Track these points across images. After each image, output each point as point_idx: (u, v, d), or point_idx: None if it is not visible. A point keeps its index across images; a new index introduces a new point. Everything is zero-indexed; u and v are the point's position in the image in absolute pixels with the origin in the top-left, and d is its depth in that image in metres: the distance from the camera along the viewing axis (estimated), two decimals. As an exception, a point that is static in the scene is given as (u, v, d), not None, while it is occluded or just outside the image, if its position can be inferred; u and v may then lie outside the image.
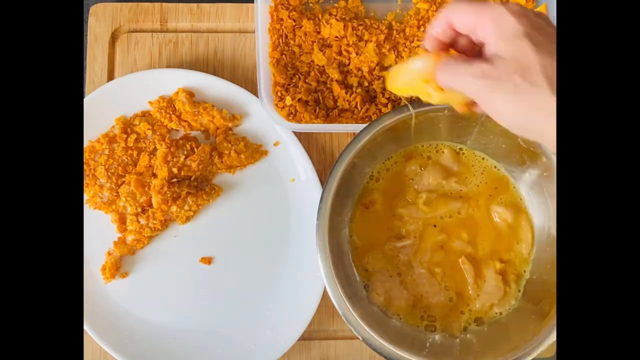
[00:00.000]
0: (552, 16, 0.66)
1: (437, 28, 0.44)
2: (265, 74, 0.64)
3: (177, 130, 0.66)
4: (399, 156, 0.64)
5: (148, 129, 0.64)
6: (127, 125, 0.65)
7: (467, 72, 0.41)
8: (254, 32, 0.68)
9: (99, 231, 0.64)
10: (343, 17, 0.65)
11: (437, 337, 0.60)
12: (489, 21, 0.40)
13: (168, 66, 0.68)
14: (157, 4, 0.69)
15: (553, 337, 0.54)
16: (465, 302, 0.61)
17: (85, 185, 0.63)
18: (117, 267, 0.63)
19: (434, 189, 0.63)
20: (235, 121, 0.66)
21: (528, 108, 0.39)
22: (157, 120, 0.65)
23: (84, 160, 0.63)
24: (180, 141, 0.64)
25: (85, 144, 0.64)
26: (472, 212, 0.63)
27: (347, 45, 0.65)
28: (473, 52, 0.45)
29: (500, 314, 0.61)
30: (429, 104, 0.54)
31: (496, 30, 0.40)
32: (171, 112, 0.64)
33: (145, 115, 0.65)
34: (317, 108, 0.63)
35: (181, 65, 0.68)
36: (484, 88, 0.40)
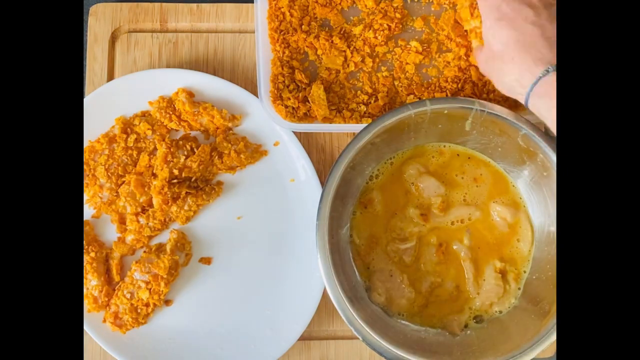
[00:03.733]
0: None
1: None
2: (265, 74, 0.64)
3: (177, 130, 0.66)
4: (399, 156, 0.64)
5: (148, 129, 0.64)
6: (127, 125, 0.65)
7: (478, 59, 0.60)
8: (253, 32, 0.68)
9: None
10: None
11: (437, 336, 0.60)
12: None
13: (168, 66, 0.68)
14: (157, 4, 0.69)
15: (553, 337, 0.54)
16: (466, 300, 0.62)
17: (85, 185, 0.63)
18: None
19: (435, 189, 0.63)
20: (235, 121, 0.66)
21: (505, 80, 0.55)
22: (157, 120, 0.65)
23: (84, 160, 0.63)
24: (180, 141, 0.64)
25: (85, 144, 0.64)
26: (472, 212, 0.63)
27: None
28: None
29: (500, 312, 0.61)
30: (427, 104, 0.54)
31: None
32: (171, 112, 0.64)
33: (145, 115, 0.65)
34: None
35: (181, 65, 0.68)
36: (485, 69, 0.59)
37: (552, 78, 0.49)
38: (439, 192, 0.63)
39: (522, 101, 0.53)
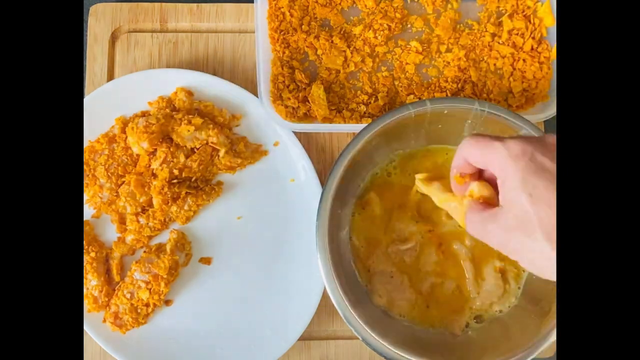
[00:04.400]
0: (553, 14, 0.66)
1: (457, 163, 0.45)
2: (265, 74, 0.64)
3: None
4: (399, 157, 0.64)
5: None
6: (126, 125, 0.64)
7: (486, 229, 0.42)
8: (254, 32, 0.68)
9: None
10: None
11: (438, 336, 0.60)
12: (495, 165, 0.41)
13: (168, 66, 0.68)
14: (157, 4, 0.69)
15: (553, 337, 0.54)
16: (466, 300, 0.62)
17: (85, 185, 0.63)
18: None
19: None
20: (234, 121, 0.66)
21: (534, 260, 0.40)
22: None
23: (84, 160, 0.63)
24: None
25: (85, 144, 0.64)
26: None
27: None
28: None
29: (501, 312, 0.61)
30: (427, 104, 0.54)
31: (500, 177, 0.41)
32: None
33: (144, 115, 0.65)
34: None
35: (181, 65, 0.68)
36: (502, 242, 0.41)
37: None
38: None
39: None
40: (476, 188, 0.45)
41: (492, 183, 0.45)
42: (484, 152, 0.42)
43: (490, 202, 0.44)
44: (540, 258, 0.39)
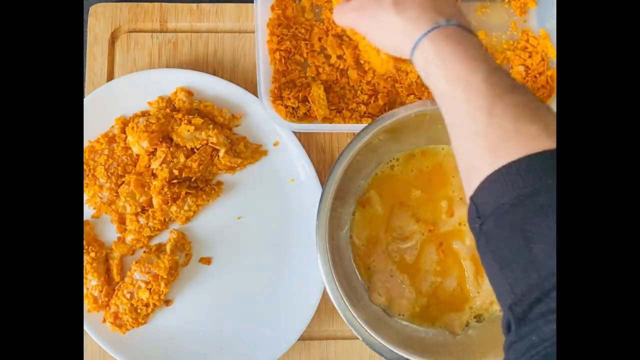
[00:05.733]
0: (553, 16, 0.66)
1: None
2: (264, 74, 0.64)
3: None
4: (399, 157, 0.64)
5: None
6: (126, 125, 0.64)
7: (343, 9, 0.50)
8: (253, 32, 0.68)
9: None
10: None
11: (438, 336, 0.60)
12: None
13: (168, 66, 0.68)
14: (156, 4, 0.69)
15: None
16: (466, 299, 0.62)
17: (85, 185, 0.63)
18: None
19: (433, 189, 0.63)
20: (234, 121, 0.66)
21: (384, 28, 0.47)
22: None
23: (84, 160, 0.63)
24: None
25: (85, 144, 0.64)
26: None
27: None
28: None
29: (501, 311, 0.61)
30: (427, 105, 0.54)
31: None
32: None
33: (144, 115, 0.65)
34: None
35: (181, 65, 0.68)
36: (356, 19, 0.49)
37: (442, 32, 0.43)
38: (437, 192, 0.63)
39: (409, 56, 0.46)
40: None
41: None
42: None
43: None
44: (385, 24, 0.46)
